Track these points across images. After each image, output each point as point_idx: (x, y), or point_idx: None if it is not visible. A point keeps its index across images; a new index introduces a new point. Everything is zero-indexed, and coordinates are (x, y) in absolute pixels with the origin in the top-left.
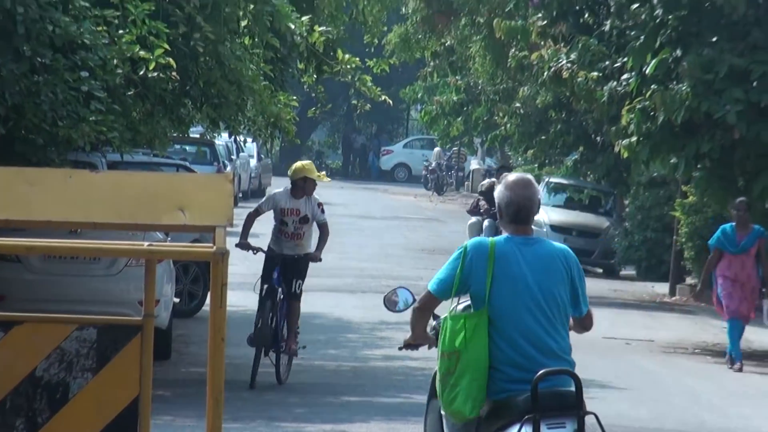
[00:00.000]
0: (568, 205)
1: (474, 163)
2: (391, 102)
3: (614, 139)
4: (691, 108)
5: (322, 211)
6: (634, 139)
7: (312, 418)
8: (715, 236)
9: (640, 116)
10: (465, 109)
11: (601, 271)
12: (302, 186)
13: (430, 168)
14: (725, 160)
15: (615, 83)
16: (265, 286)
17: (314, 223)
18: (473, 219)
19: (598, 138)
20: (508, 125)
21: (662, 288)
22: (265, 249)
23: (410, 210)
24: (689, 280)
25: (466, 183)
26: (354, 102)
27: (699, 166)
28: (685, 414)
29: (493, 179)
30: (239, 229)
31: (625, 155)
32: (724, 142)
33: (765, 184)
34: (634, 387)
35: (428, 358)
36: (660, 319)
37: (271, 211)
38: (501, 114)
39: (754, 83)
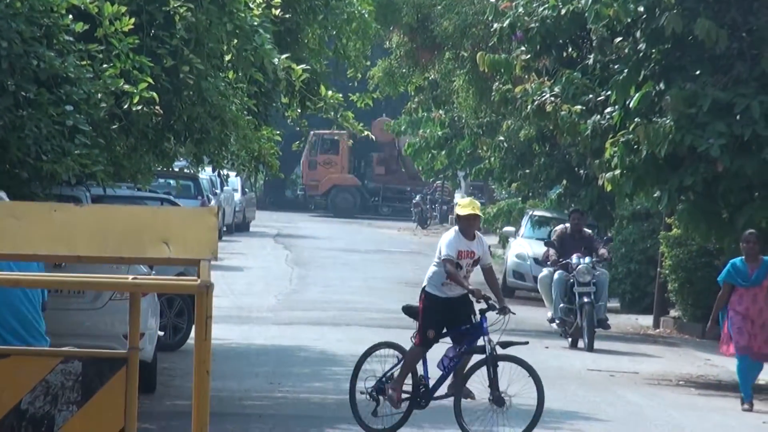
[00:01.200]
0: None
1: (458, 197)
2: (373, 137)
3: (598, 172)
4: (675, 141)
5: (490, 253)
6: (617, 172)
7: None
8: (725, 271)
9: (624, 149)
10: (449, 142)
11: None
12: (472, 224)
13: (414, 201)
14: (709, 193)
15: (598, 117)
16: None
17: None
18: (544, 272)
19: (582, 171)
20: (492, 159)
21: (646, 320)
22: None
23: (394, 243)
24: (673, 313)
25: (450, 217)
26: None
27: (683, 198)
28: None
29: (566, 225)
30: (223, 263)
31: (609, 188)
32: (707, 176)
33: (749, 216)
34: (617, 419)
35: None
36: (644, 351)
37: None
38: (484, 147)
39: (737, 116)
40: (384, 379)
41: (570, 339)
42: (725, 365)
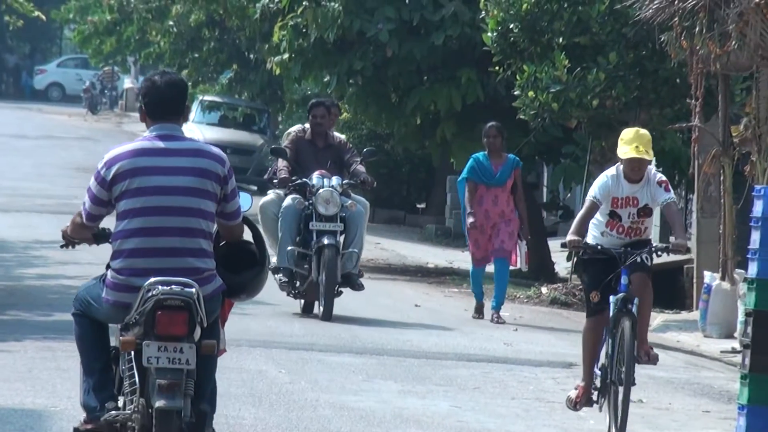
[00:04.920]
0: (222, 122)
1: (128, 82)
2: (44, 18)
3: (267, 56)
4: (343, 26)
5: (666, 189)
6: (286, 56)
7: None
8: (467, 167)
9: (293, 33)
10: (118, 28)
11: (255, 188)
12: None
13: (84, 87)
14: (378, 77)
15: (267, 0)
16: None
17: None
18: (269, 196)
19: (252, 55)
20: (162, 43)
21: None
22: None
23: (64, 129)
24: None
25: (120, 102)
26: (7, 18)
27: (352, 82)
28: (340, 330)
29: (305, 125)
30: None
31: (278, 72)
32: (376, 60)
33: (418, 100)
34: (287, 303)
35: (82, 277)
36: None
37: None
38: (154, 32)
39: (407, 1)
40: None
41: (302, 301)
42: (395, 249)
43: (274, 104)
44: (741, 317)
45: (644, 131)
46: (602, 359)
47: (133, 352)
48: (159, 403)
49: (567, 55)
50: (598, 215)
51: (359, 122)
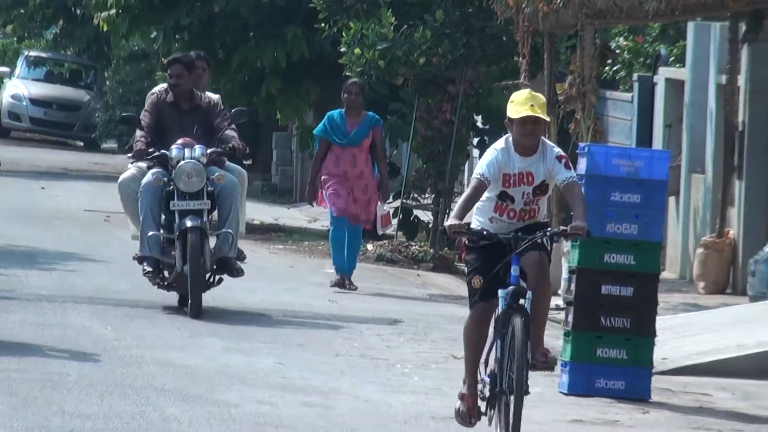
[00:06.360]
0: (48, 78)
1: None
2: None
3: (94, 11)
4: None
5: (567, 166)
6: (113, 11)
7: None
8: (320, 125)
9: None
10: None
11: (82, 144)
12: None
13: None
14: (205, 33)
15: None
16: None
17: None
18: (129, 170)
19: (78, 11)
20: None
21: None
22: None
23: None
24: None
25: None
26: None
27: (178, 38)
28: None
29: (161, 86)
30: None
31: (105, 28)
32: (203, 16)
33: (244, 56)
34: (114, 260)
35: None
36: None
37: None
38: None
39: None
40: None
41: (180, 296)
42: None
43: (101, 60)
44: (565, 275)
45: (538, 94)
46: (491, 364)
47: None
48: None
49: (393, 12)
50: (482, 197)
51: None
